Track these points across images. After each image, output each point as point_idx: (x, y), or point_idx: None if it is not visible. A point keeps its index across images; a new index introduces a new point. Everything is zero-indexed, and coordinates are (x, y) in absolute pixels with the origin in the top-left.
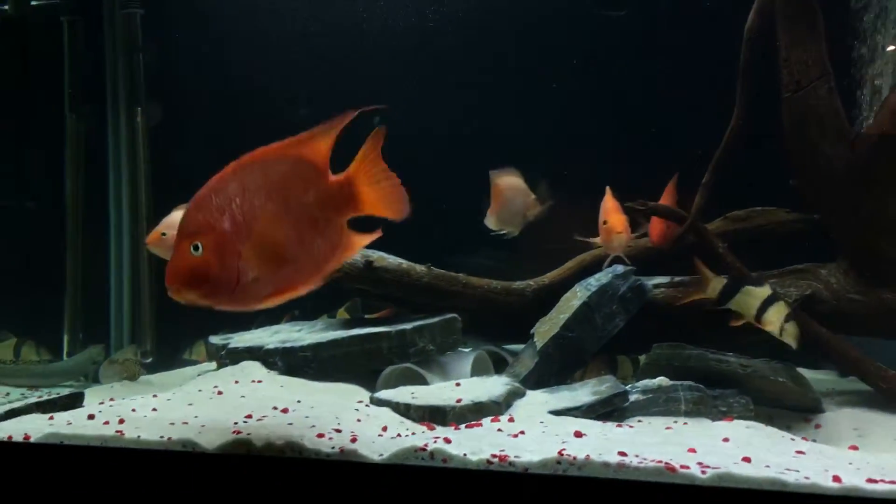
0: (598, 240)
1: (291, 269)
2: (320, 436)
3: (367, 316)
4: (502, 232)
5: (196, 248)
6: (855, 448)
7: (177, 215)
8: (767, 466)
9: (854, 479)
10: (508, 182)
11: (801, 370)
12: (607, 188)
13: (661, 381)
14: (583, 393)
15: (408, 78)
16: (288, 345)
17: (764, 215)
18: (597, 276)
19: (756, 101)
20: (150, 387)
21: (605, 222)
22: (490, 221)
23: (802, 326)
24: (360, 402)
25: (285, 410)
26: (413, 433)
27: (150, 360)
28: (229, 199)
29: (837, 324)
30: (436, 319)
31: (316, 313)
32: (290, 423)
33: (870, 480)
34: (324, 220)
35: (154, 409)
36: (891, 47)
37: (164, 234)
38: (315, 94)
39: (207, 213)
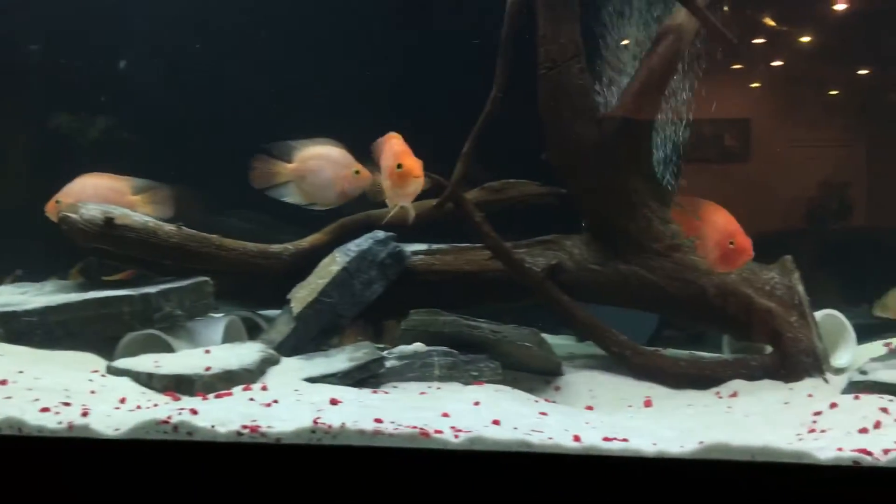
0: (386, 185)
1: None
2: (45, 410)
3: (105, 278)
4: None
5: None
6: (591, 408)
7: (78, 183)
8: (515, 428)
9: (592, 438)
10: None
11: (544, 335)
12: (392, 134)
13: (417, 346)
14: (339, 360)
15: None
16: (9, 308)
17: (517, 187)
18: (356, 241)
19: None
20: None
21: (399, 166)
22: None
23: (549, 293)
24: (95, 371)
25: (4, 382)
26: (155, 405)
27: None
28: None
29: (578, 292)
30: (185, 282)
31: (45, 274)
32: (9, 397)
33: (605, 439)
34: None
35: None
36: (625, 41)
37: (57, 201)
38: None
39: None
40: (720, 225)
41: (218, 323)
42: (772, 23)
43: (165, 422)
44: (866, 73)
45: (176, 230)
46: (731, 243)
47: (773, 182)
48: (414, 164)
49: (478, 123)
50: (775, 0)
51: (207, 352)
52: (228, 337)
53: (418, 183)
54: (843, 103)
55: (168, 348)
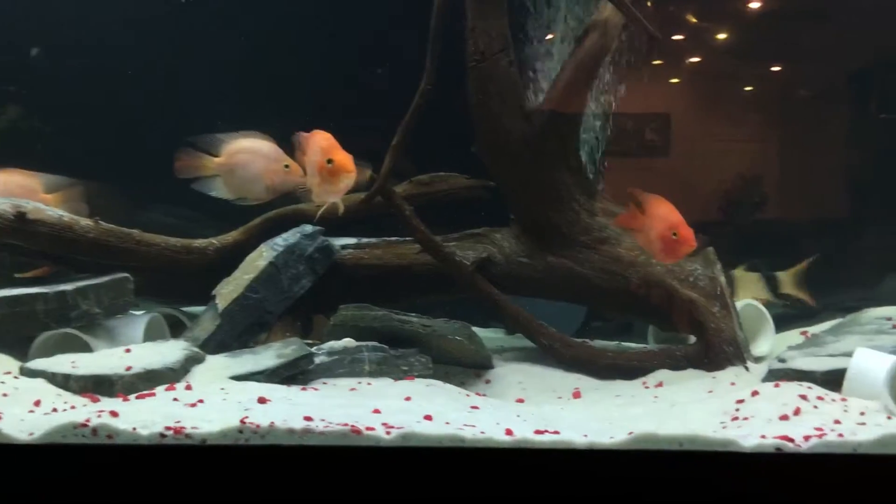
0: (311, 183)
1: None
2: None
3: (17, 275)
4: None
5: None
6: (521, 401)
7: None
8: (447, 423)
9: (523, 431)
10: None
11: (474, 328)
12: (316, 130)
13: (347, 342)
14: (267, 356)
15: None
16: None
17: (446, 181)
18: (284, 235)
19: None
20: None
21: (329, 161)
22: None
23: (479, 286)
24: (8, 373)
25: None
26: (73, 407)
27: None
28: None
29: (509, 285)
30: (103, 279)
31: None
32: None
33: (537, 432)
34: None
35: None
36: (550, 35)
37: None
38: None
39: None
40: (663, 216)
41: (139, 321)
42: (693, 19)
43: (84, 425)
44: (780, 70)
45: (93, 225)
46: (675, 234)
47: (693, 175)
48: (345, 159)
49: (407, 116)
50: None
51: (128, 351)
52: (150, 335)
53: (350, 178)
54: (758, 99)
55: (86, 348)
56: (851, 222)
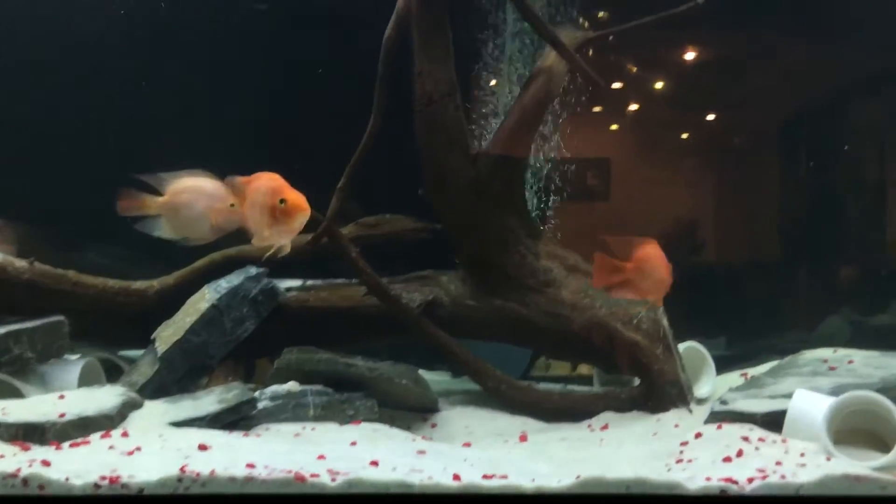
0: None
1: None
2: None
3: None
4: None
5: None
6: (468, 445)
7: None
8: (394, 469)
9: (471, 476)
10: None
11: (420, 371)
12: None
13: (291, 386)
14: (207, 402)
15: None
16: None
17: (392, 223)
18: (227, 277)
19: (393, 109)
20: None
21: (282, 201)
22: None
23: (425, 329)
24: None
25: None
26: (2, 456)
27: None
28: None
29: (455, 327)
30: (37, 323)
31: None
32: None
33: (485, 476)
34: None
35: None
36: (493, 81)
37: None
38: None
39: None
40: (658, 256)
41: (73, 365)
42: (633, 69)
43: (14, 475)
44: (716, 118)
45: (28, 266)
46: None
47: (633, 219)
48: (298, 198)
49: (354, 158)
50: (634, 47)
51: (62, 397)
52: (85, 380)
53: (305, 216)
54: (694, 145)
55: (17, 394)
56: (787, 266)
